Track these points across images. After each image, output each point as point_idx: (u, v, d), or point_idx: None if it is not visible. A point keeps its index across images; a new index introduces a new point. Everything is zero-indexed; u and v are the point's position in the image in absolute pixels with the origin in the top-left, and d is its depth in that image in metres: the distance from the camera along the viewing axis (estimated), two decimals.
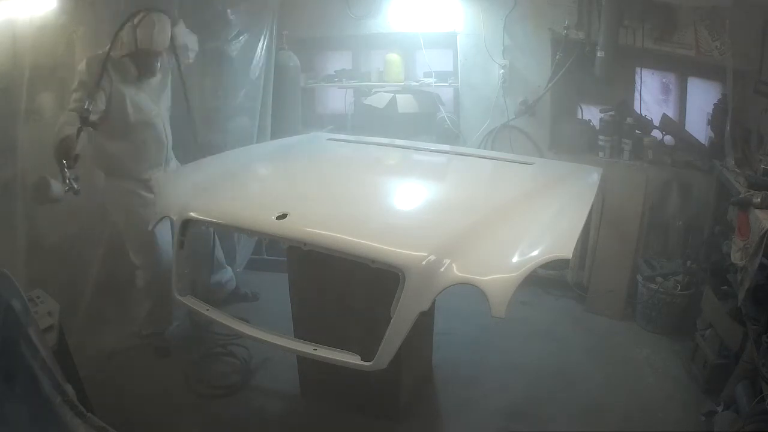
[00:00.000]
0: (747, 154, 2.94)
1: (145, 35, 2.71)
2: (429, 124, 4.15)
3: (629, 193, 3.52)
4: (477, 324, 3.33)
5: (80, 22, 2.91)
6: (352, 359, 1.84)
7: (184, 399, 2.83)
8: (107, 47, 2.71)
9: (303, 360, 2.69)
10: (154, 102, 2.95)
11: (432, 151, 3.14)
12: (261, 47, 3.82)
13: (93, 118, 2.63)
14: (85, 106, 2.58)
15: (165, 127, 3.02)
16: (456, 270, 1.75)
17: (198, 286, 3.21)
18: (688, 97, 3.72)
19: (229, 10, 3.68)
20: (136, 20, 2.70)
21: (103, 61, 2.65)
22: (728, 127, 2.98)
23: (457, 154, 3.14)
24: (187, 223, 2.16)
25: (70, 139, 2.48)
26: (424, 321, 2.55)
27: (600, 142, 3.68)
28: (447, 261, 1.76)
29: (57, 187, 2.43)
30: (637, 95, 3.77)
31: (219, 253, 3.53)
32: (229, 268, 3.69)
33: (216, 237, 3.43)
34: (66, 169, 2.43)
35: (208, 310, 2.15)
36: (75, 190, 2.43)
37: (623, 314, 3.55)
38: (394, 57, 4.25)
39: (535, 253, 1.79)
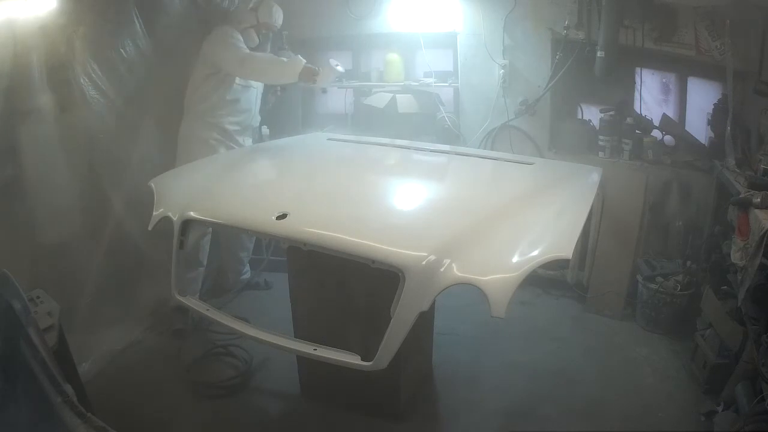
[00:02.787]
0: (747, 154, 2.93)
1: (268, 11, 3.35)
2: (429, 124, 4.14)
3: (629, 193, 3.52)
4: (477, 324, 3.33)
5: (80, 22, 2.91)
6: (352, 359, 1.84)
7: (184, 399, 2.83)
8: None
9: (303, 360, 2.69)
10: None
11: (432, 151, 3.15)
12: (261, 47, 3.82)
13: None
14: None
15: (257, 99, 3.57)
16: (456, 270, 1.75)
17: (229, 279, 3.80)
18: (688, 97, 3.72)
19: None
20: (254, 3, 3.36)
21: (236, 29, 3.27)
22: (728, 127, 2.98)
23: (457, 154, 3.14)
24: (187, 223, 2.16)
25: (309, 65, 3.19)
26: (424, 321, 2.55)
27: (600, 142, 3.68)
28: (447, 261, 1.77)
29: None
30: (637, 95, 3.77)
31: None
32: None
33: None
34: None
35: (208, 310, 2.15)
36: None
37: (623, 314, 3.55)
38: (394, 57, 4.25)
39: (535, 253, 1.79)
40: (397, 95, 4.10)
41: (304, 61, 3.21)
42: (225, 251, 3.76)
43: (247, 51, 3.21)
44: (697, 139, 3.59)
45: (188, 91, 3.35)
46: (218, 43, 3.21)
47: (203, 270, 3.43)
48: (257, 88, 3.54)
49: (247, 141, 3.58)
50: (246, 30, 3.33)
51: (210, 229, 3.27)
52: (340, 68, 3.33)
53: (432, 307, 1.85)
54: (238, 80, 3.32)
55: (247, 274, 3.90)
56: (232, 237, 3.70)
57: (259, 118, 3.71)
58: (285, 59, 3.29)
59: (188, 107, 3.36)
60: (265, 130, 3.87)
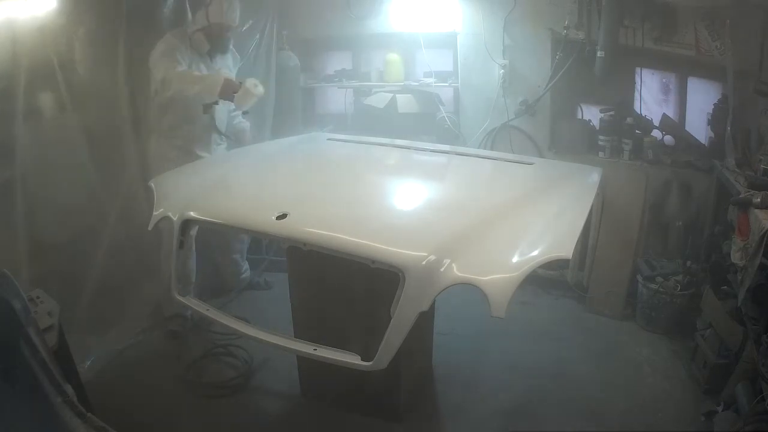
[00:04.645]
0: (747, 154, 2.93)
1: (218, 10, 2.98)
2: (429, 124, 4.14)
3: (629, 193, 3.52)
4: (477, 324, 3.33)
5: (80, 22, 2.91)
6: (352, 359, 1.84)
7: (184, 399, 2.83)
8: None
9: (303, 360, 2.69)
10: None
11: (432, 151, 3.14)
12: (261, 47, 3.82)
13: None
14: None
15: (219, 111, 3.20)
16: (456, 270, 1.75)
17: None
18: (688, 97, 3.72)
19: None
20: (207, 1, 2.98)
21: (183, 34, 3.00)
22: (728, 127, 2.98)
23: (457, 154, 3.14)
24: (187, 223, 2.16)
25: (230, 80, 2.93)
26: (424, 321, 2.55)
27: (600, 142, 3.68)
28: (447, 261, 1.76)
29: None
30: (637, 95, 3.77)
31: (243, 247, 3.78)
32: (246, 262, 3.86)
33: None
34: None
35: (208, 310, 2.15)
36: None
37: (623, 314, 3.55)
38: (394, 57, 4.25)
39: (535, 253, 1.79)
40: (397, 95, 4.10)
41: (224, 77, 2.95)
42: (218, 255, 3.71)
43: (171, 69, 2.88)
44: (697, 139, 3.59)
45: (150, 107, 3.15)
46: (153, 56, 2.95)
47: (192, 287, 3.33)
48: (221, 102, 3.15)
49: (219, 151, 3.37)
50: (196, 34, 3.04)
51: (193, 249, 3.19)
52: (259, 89, 2.99)
53: (432, 307, 1.85)
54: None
55: (246, 273, 3.87)
56: (222, 241, 3.63)
57: (238, 114, 3.44)
58: (205, 76, 3.00)
59: (151, 124, 3.19)
60: (243, 124, 3.51)
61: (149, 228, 2.30)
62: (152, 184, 2.42)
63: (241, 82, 2.96)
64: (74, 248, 2.99)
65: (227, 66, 3.32)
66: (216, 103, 3.03)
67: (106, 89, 3.04)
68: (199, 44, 3.06)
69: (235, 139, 3.46)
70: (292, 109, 4.15)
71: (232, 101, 2.97)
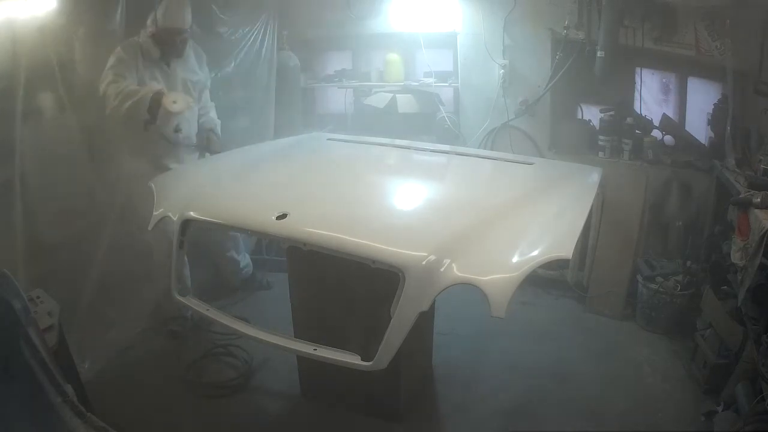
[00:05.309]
0: (747, 154, 2.93)
1: (165, 14, 2.85)
2: (429, 124, 4.15)
3: (629, 193, 3.52)
4: (477, 324, 3.33)
5: (80, 22, 2.91)
6: (352, 359, 1.84)
7: (184, 399, 2.83)
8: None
9: (303, 360, 2.69)
10: (172, 89, 2.99)
11: (432, 151, 3.14)
12: (260, 47, 3.82)
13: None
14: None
15: (183, 117, 3.03)
16: (456, 270, 1.75)
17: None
18: (688, 97, 3.72)
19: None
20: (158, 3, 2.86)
21: (134, 44, 2.88)
22: (728, 127, 2.98)
23: (457, 154, 3.13)
24: (187, 223, 2.16)
25: (160, 92, 2.78)
26: (424, 321, 2.55)
27: (600, 142, 3.68)
28: (447, 261, 1.76)
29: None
30: (637, 95, 3.77)
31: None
32: (247, 255, 3.83)
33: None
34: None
35: (208, 310, 2.15)
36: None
37: (623, 314, 3.55)
38: (394, 57, 4.25)
39: (535, 253, 1.79)
40: (397, 95, 4.11)
41: (153, 91, 2.79)
42: (215, 255, 3.68)
43: (111, 85, 2.76)
44: (697, 139, 3.59)
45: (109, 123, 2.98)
46: (103, 73, 2.81)
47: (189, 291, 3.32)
48: (188, 112, 3.05)
49: (193, 159, 3.26)
50: (146, 41, 2.92)
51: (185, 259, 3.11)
52: (177, 106, 2.81)
53: (432, 307, 1.85)
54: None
55: (248, 267, 3.82)
56: (215, 241, 3.59)
57: (210, 110, 3.37)
58: (138, 91, 2.81)
59: (116, 142, 3.05)
60: (210, 122, 3.36)
61: (149, 228, 2.31)
62: (152, 184, 2.42)
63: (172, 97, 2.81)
64: (74, 248, 2.99)
65: (190, 68, 3.18)
66: (153, 120, 2.85)
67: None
68: (149, 51, 2.94)
69: (205, 144, 3.29)
70: (292, 109, 4.15)
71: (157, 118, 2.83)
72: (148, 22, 2.92)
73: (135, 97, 2.77)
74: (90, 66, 3.00)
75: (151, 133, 2.98)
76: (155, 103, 2.77)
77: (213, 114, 3.39)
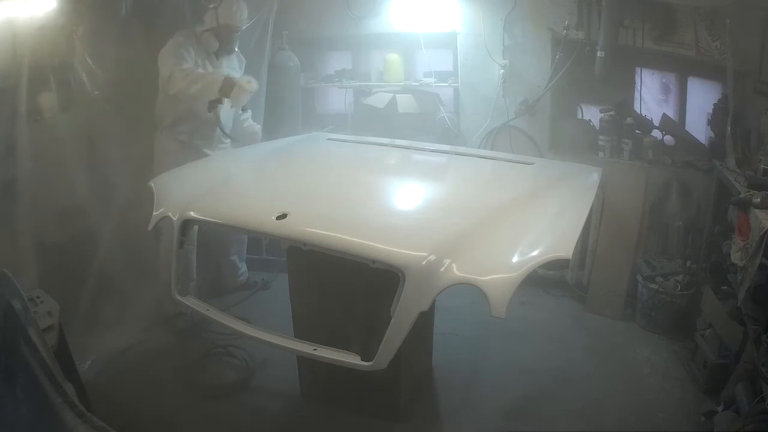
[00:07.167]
0: (747, 154, 2.93)
1: (226, 11, 3.07)
2: (429, 124, 4.15)
3: (629, 193, 3.52)
4: (477, 324, 3.33)
5: (80, 22, 2.91)
6: (352, 359, 1.84)
7: (184, 399, 2.83)
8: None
9: (303, 360, 2.69)
10: None
11: (432, 151, 3.14)
12: (259, 46, 3.82)
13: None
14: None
15: (222, 109, 3.22)
16: (456, 270, 1.75)
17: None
18: (688, 97, 3.72)
19: None
20: (216, 2, 3.07)
21: (191, 34, 3.09)
22: (728, 127, 2.98)
23: (457, 154, 3.14)
24: (187, 223, 2.16)
25: (230, 78, 3.00)
26: (424, 321, 2.55)
27: (600, 142, 3.68)
28: (447, 261, 1.76)
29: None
30: (637, 95, 3.77)
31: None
32: (244, 263, 3.91)
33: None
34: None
35: (208, 310, 2.15)
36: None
37: (623, 314, 3.55)
38: (394, 57, 4.25)
39: (535, 253, 1.79)
40: (397, 95, 4.10)
41: (224, 75, 3.05)
42: (218, 256, 3.73)
43: (175, 67, 2.96)
44: (697, 139, 3.59)
45: (156, 104, 3.24)
46: (162, 55, 3.04)
47: (195, 284, 3.34)
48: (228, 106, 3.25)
49: (220, 149, 3.44)
50: (205, 34, 3.14)
51: (194, 245, 3.18)
52: (252, 86, 3.11)
53: (432, 307, 1.85)
54: None
55: (244, 275, 3.90)
56: (219, 242, 3.66)
57: (248, 117, 3.53)
58: (206, 74, 3.08)
59: (157, 121, 3.26)
60: (254, 127, 3.61)
61: (149, 228, 2.31)
62: (152, 184, 2.42)
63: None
64: (74, 248, 2.99)
65: (233, 67, 3.40)
66: (220, 101, 3.10)
67: (107, 88, 3.04)
68: (208, 43, 3.16)
69: (248, 142, 3.51)
70: (292, 109, 4.14)
71: (228, 98, 3.05)
72: (206, 17, 3.13)
73: (206, 79, 2.99)
74: (90, 66, 3.01)
75: (204, 116, 3.19)
76: (227, 85, 2.97)
77: (251, 119, 3.59)
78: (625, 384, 2.94)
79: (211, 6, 3.09)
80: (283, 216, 1.98)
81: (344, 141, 3.33)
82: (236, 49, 3.37)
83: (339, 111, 4.63)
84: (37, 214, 2.78)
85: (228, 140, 3.46)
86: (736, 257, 2.41)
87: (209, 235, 3.39)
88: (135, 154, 3.24)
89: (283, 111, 4.07)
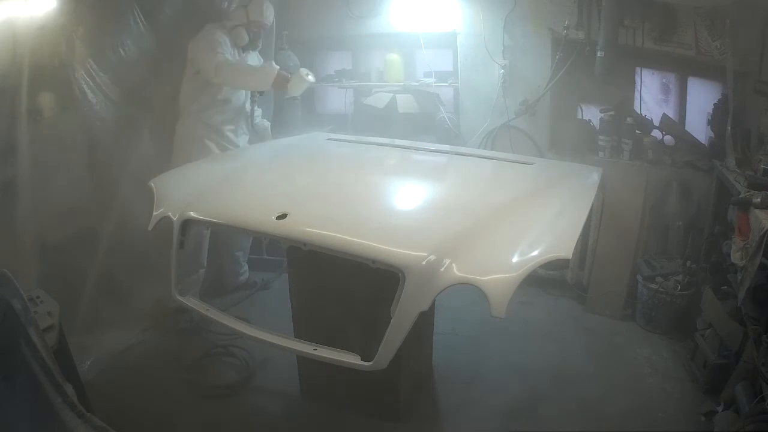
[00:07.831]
0: (747, 154, 2.93)
1: (256, 9, 3.30)
2: (429, 124, 4.14)
3: (629, 193, 3.52)
4: (477, 324, 3.33)
5: (80, 22, 2.91)
6: (352, 359, 1.84)
7: (184, 399, 2.83)
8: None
9: (303, 360, 2.69)
10: None
11: (432, 151, 3.14)
12: (265, 46, 3.82)
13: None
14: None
15: (247, 99, 3.50)
16: (456, 270, 1.75)
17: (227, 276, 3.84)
18: (688, 97, 3.71)
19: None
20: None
21: (223, 28, 3.25)
22: (728, 127, 2.98)
23: (457, 154, 3.14)
24: (187, 223, 2.16)
25: (282, 72, 3.22)
26: (424, 321, 2.55)
27: (600, 142, 3.67)
28: (447, 261, 1.77)
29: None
30: (637, 95, 3.77)
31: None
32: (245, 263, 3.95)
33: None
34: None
35: (208, 310, 2.15)
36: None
37: (623, 314, 3.55)
38: (394, 57, 4.25)
39: (535, 253, 1.79)
40: (397, 95, 4.10)
41: (277, 68, 3.23)
42: (221, 252, 3.75)
43: (223, 57, 3.13)
44: (697, 139, 3.59)
45: (182, 91, 3.34)
46: (200, 45, 3.17)
47: (204, 271, 3.42)
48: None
49: (243, 140, 3.56)
50: (236, 28, 3.29)
51: (208, 229, 3.24)
52: (310, 78, 3.30)
53: (432, 307, 1.85)
54: None
55: (245, 274, 3.91)
56: (227, 237, 3.69)
57: (259, 114, 3.69)
58: (258, 67, 3.30)
59: (182, 107, 3.36)
60: (265, 123, 3.77)
61: (149, 228, 2.31)
62: (152, 184, 2.42)
63: (291, 74, 3.26)
64: (74, 248, 2.99)
65: (254, 63, 3.51)
66: (261, 93, 3.43)
67: (107, 88, 3.04)
68: (239, 38, 3.30)
69: (260, 138, 3.68)
70: (292, 109, 4.14)
71: (283, 91, 3.32)
72: (235, 14, 3.33)
73: (259, 72, 3.25)
74: (91, 66, 3.00)
75: (236, 102, 3.42)
76: (281, 78, 3.20)
77: (261, 117, 3.76)
78: (625, 384, 2.94)
79: (241, 4, 3.32)
80: (283, 216, 1.98)
81: (344, 141, 3.33)
82: (260, 46, 3.53)
83: (339, 111, 4.63)
84: (37, 214, 2.78)
85: (248, 132, 3.61)
86: (736, 257, 2.41)
87: (215, 231, 3.41)
88: (134, 154, 3.24)
89: (284, 111, 4.07)
